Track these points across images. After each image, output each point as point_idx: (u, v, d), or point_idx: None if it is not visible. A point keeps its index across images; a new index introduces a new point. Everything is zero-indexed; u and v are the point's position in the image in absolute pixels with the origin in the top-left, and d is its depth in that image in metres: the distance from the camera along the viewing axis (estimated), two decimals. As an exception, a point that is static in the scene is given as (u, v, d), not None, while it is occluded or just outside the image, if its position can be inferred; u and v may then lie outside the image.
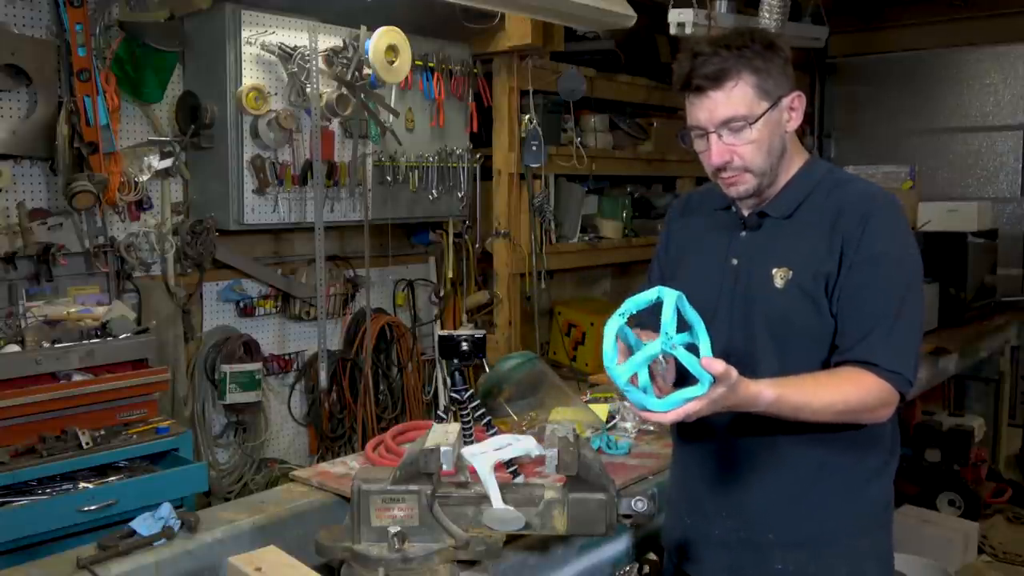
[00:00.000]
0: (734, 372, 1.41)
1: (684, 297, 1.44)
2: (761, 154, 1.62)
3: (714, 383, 1.39)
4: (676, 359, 1.41)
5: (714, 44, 1.60)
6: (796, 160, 1.71)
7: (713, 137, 1.61)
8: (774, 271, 1.64)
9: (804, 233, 1.66)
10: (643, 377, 1.44)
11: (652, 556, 2.24)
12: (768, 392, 1.48)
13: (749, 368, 1.50)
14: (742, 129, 1.59)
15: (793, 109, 1.66)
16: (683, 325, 1.45)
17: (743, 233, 1.72)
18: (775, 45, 1.63)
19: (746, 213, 1.73)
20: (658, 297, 1.43)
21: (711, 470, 1.74)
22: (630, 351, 1.48)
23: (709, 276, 1.73)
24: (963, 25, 5.63)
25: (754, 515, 1.70)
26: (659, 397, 1.44)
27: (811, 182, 1.69)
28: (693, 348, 1.43)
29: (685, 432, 1.80)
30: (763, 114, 1.60)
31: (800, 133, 1.75)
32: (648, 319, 1.50)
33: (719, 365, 1.38)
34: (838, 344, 1.61)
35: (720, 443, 1.72)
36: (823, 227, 1.64)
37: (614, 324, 1.44)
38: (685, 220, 1.89)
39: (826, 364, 1.62)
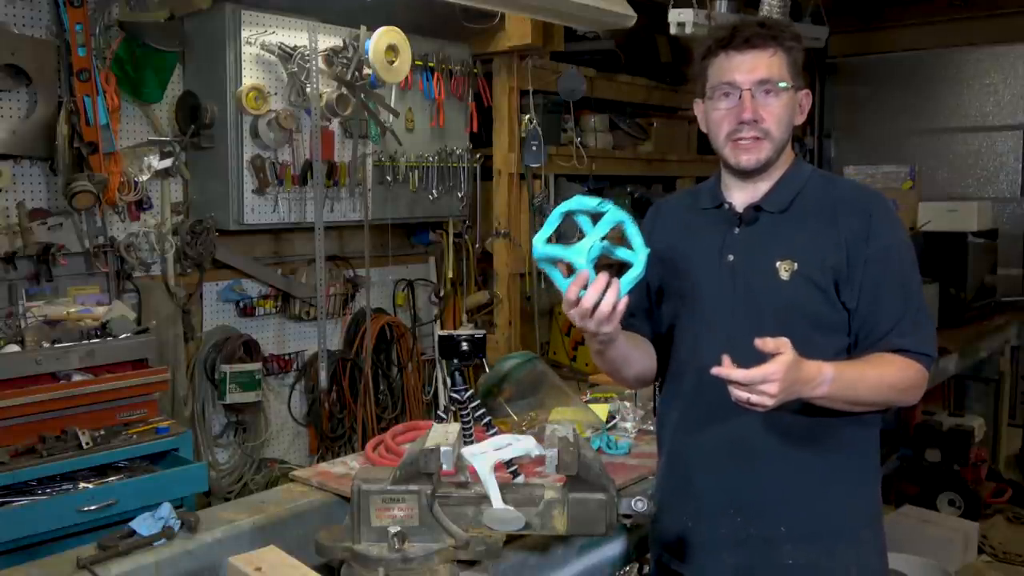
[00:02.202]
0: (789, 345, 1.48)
1: (633, 224, 1.55)
2: (781, 126, 1.68)
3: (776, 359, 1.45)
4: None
5: (756, 21, 1.72)
6: (786, 158, 1.76)
7: (746, 94, 1.66)
8: (778, 264, 1.67)
9: (804, 226, 1.69)
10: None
11: (652, 556, 2.24)
12: (828, 368, 1.54)
13: (758, 363, 1.51)
14: (775, 93, 1.66)
15: (801, 105, 1.74)
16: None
17: (737, 229, 1.74)
18: (801, 41, 1.73)
19: (737, 206, 1.74)
20: (600, 202, 1.54)
21: (717, 467, 1.74)
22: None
23: (706, 274, 1.75)
24: (963, 25, 5.63)
25: (765, 510, 1.71)
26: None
27: (801, 179, 1.75)
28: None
29: (683, 430, 1.80)
30: (791, 88, 1.68)
31: (800, 133, 1.78)
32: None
33: (781, 342, 1.47)
34: (864, 336, 1.67)
35: (725, 440, 1.72)
36: (823, 220, 1.69)
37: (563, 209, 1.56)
38: (673, 219, 1.88)
39: (837, 356, 1.65)
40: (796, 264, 1.66)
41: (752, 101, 1.65)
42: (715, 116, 1.70)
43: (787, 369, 1.45)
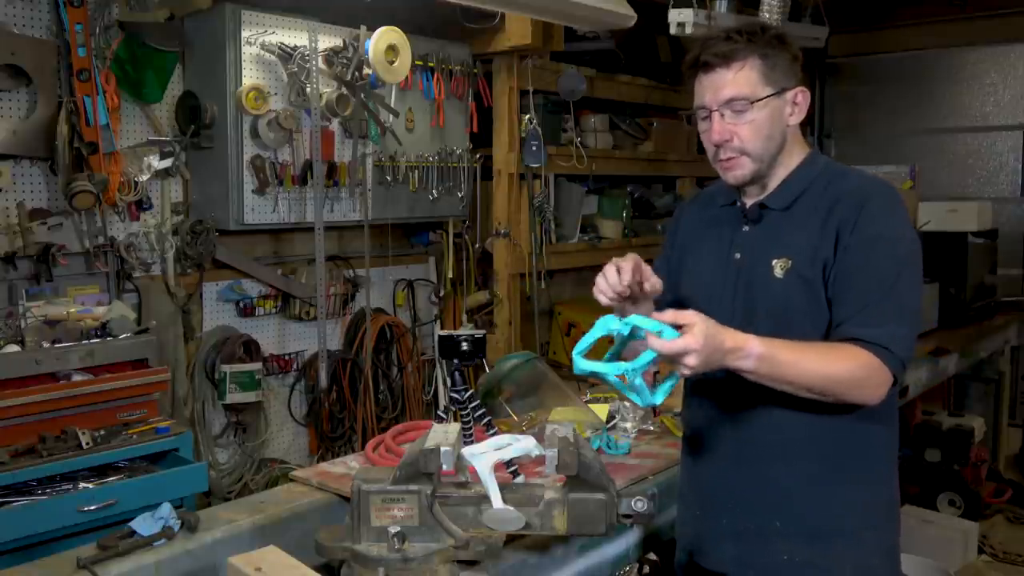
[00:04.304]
0: (700, 316, 1.47)
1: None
2: (760, 138, 1.66)
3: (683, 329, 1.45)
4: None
5: (726, 31, 1.67)
6: (798, 155, 1.74)
7: (715, 116, 1.66)
8: (774, 262, 1.67)
9: (802, 224, 1.68)
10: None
11: (652, 556, 2.24)
12: (755, 343, 1.50)
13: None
14: (743, 110, 1.64)
15: (796, 103, 1.70)
16: None
17: (745, 227, 1.75)
18: (785, 40, 1.69)
19: (748, 204, 1.75)
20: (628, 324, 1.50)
21: (721, 461, 1.76)
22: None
23: (713, 271, 1.76)
24: (963, 25, 5.63)
25: (761, 504, 1.71)
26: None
27: (811, 175, 1.72)
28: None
29: (696, 425, 1.83)
30: (765, 98, 1.64)
31: (801, 133, 1.77)
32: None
33: (686, 315, 1.46)
34: (833, 324, 1.63)
35: (730, 435, 1.74)
36: (820, 215, 1.66)
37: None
38: (693, 217, 1.92)
39: None
40: (790, 262, 1.65)
41: (721, 122, 1.65)
42: (702, 137, 1.72)
43: (704, 340, 1.43)
